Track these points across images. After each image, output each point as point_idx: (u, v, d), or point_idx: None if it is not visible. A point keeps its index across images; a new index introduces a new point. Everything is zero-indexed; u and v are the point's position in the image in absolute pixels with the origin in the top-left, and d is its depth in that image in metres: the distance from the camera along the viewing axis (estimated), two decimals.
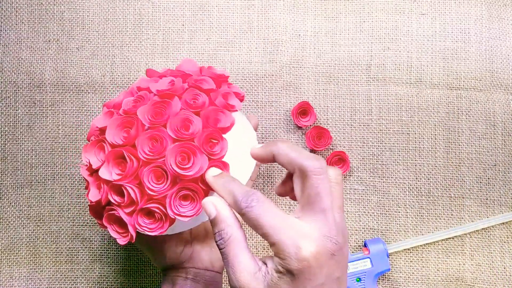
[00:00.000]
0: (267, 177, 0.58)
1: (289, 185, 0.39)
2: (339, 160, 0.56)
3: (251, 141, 0.46)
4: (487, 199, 0.56)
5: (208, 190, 0.40)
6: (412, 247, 0.56)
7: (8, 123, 0.58)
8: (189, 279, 0.46)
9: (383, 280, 0.56)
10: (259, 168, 0.58)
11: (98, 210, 0.43)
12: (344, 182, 0.57)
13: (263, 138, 0.58)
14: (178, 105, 0.41)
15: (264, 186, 0.57)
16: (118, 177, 0.40)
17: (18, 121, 0.58)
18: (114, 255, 0.57)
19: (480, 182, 0.56)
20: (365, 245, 0.55)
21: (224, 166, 0.41)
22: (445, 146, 0.57)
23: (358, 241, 0.56)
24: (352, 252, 0.56)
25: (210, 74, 0.46)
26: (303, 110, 0.57)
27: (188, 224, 0.43)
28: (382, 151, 0.57)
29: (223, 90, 0.44)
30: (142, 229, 0.40)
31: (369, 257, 0.53)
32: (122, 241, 0.41)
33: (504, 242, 0.56)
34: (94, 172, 0.42)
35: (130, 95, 0.45)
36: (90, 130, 0.45)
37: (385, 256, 0.53)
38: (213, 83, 0.44)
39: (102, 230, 0.58)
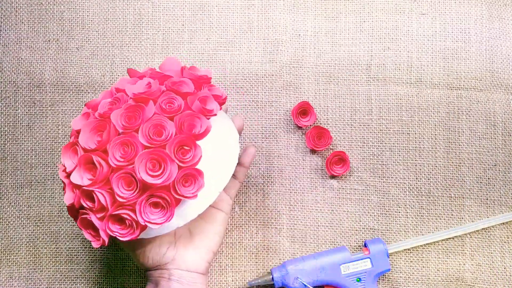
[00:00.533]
0: (267, 177, 0.58)
1: None
2: (339, 160, 0.56)
3: (231, 145, 0.46)
4: (487, 199, 0.56)
5: (179, 198, 0.40)
6: (412, 247, 0.56)
7: (8, 123, 0.58)
8: (173, 281, 0.46)
9: (383, 280, 0.56)
10: (256, 170, 0.58)
11: (74, 212, 0.43)
12: (344, 182, 0.57)
13: (263, 138, 0.58)
14: (152, 110, 0.41)
15: (264, 186, 0.57)
16: (88, 182, 0.40)
17: (18, 121, 0.58)
18: (114, 255, 0.57)
19: (480, 182, 0.56)
20: (365, 245, 0.55)
21: (198, 173, 0.40)
22: (445, 146, 0.57)
23: (358, 241, 0.56)
24: (352, 252, 0.56)
25: (191, 75, 0.45)
26: (303, 110, 0.57)
27: (162, 230, 0.43)
28: (382, 151, 0.57)
29: (202, 94, 0.43)
30: (113, 234, 0.40)
31: (369, 257, 0.53)
32: (95, 244, 0.41)
33: (505, 242, 0.56)
34: (69, 174, 0.42)
35: (110, 95, 0.44)
36: (72, 130, 0.45)
37: (385, 256, 0.53)
38: (192, 86, 0.43)
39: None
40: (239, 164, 0.52)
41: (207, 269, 0.49)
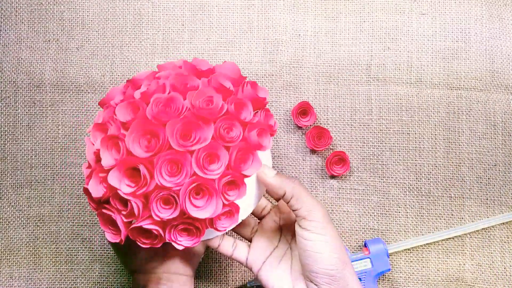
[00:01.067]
0: None
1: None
2: (339, 160, 0.56)
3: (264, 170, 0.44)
4: (487, 199, 0.56)
5: (207, 227, 0.39)
6: (412, 247, 0.56)
7: (8, 123, 0.58)
8: (162, 284, 0.45)
9: (383, 280, 0.56)
10: None
11: (93, 199, 0.40)
12: (344, 182, 0.57)
13: None
14: (210, 132, 0.38)
15: None
16: (128, 190, 0.37)
17: (18, 121, 0.58)
18: (114, 255, 0.57)
19: (480, 182, 0.56)
20: (365, 245, 0.55)
21: (235, 210, 0.39)
22: (445, 146, 0.57)
23: (358, 241, 0.56)
24: (352, 252, 0.56)
25: (251, 95, 0.41)
26: (303, 110, 0.57)
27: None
28: (382, 151, 0.57)
29: (260, 124, 0.40)
30: (135, 239, 0.39)
31: (369, 257, 0.53)
32: (111, 238, 0.40)
33: (505, 242, 0.56)
34: (98, 159, 0.39)
35: (153, 80, 0.41)
36: (107, 96, 0.42)
37: (385, 256, 0.53)
38: (251, 111, 0.40)
39: (102, 230, 0.58)
40: None
41: (194, 271, 0.49)
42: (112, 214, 0.39)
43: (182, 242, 0.39)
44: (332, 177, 0.57)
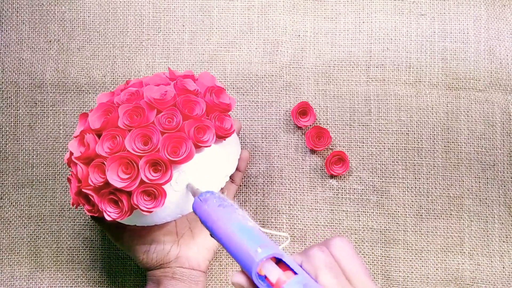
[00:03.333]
0: (267, 177, 0.58)
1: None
2: (338, 160, 0.57)
3: (231, 150, 0.48)
4: (486, 199, 0.56)
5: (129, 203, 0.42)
6: (411, 247, 0.56)
7: (9, 123, 0.59)
8: (176, 279, 0.47)
9: (382, 279, 0.56)
10: (256, 170, 0.58)
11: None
12: (344, 182, 0.57)
13: (263, 138, 0.58)
14: (152, 117, 0.43)
15: (264, 186, 0.58)
16: (77, 154, 0.43)
17: (19, 121, 0.59)
18: (115, 255, 0.58)
19: (479, 182, 0.56)
20: None
21: (159, 193, 0.42)
22: (444, 146, 0.57)
23: (358, 240, 0.57)
24: None
25: (210, 101, 0.45)
26: (303, 110, 0.57)
27: (165, 217, 0.44)
28: (382, 151, 0.57)
29: (203, 121, 0.44)
30: (80, 203, 0.44)
31: None
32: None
33: (503, 242, 0.56)
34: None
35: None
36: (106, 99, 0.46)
37: None
38: (202, 109, 0.44)
39: (102, 230, 0.58)
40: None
41: (207, 267, 0.50)
42: (71, 178, 0.44)
43: (110, 213, 0.42)
44: (332, 176, 0.57)
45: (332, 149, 0.58)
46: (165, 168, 0.41)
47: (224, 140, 0.46)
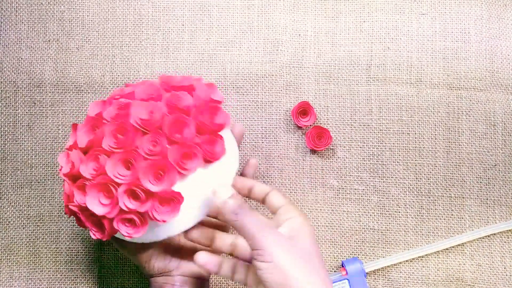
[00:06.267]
0: (267, 177, 0.58)
1: None
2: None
3: (230, 161, 0.46)
4: (487, 199, 0.56)
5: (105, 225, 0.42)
6: (391, 264, 0.55)
7: (8, 123, 0.58)
8: (177, 287, 0.47)
9: (383, 279, 0.56)
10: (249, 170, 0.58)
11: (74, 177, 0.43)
12: (344, 182, 0.57)
13: (263, 138, 0.58)
14: (134, 140, 0.41)
15: None
16: (65, 170, 0.42)
17: (18, 121, 0.59)
18: (114, 255, 0.58)
19: (480, 182, 0.56)
20: (342, 265, 0.54)
21: (138, 219, 0.41)
22: (445, 146, 0.57)
23: (358, 241, 0.56)
24: (330, 272, 0.55)
25: (202, 122, 0.43)
26: (303, 110, 0.57)
27: (167, 232, 0.44)
28: (382, 151, 0.57)
29: (190, 147, 0.42)
30: (72, 215, 0.44)
31: (347, 279, 0.52)
32: (93, 235, 0.43)
33: (505, 242, 0.56)
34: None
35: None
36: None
37: (363, 277, 0.52)
38: (191, 133, 0.42)
39: None
40: (242, 175, 0.51)
41: (210, 274, 0.50)
42: (65, 190, 0.44)
43: (96, 232, 0.42)
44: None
45: (332, 149, 0.57)
46: (144, 196, 0.40)
47: (213, 163, 0.44)
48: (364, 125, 0.57)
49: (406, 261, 0.56)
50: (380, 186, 0.57)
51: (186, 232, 0.45)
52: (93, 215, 0.41)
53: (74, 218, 0.44)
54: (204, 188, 0.43)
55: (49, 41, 0.60)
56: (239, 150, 0.55)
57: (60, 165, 0.44)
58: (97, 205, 0.40)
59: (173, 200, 0.41)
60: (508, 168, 0.56)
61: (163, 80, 0.47)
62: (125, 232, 0.41)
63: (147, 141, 0.41)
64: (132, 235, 0.41)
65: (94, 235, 0.42)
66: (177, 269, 0.48)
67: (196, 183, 0.43)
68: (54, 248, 0.57)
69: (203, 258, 0.44)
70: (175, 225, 0.43)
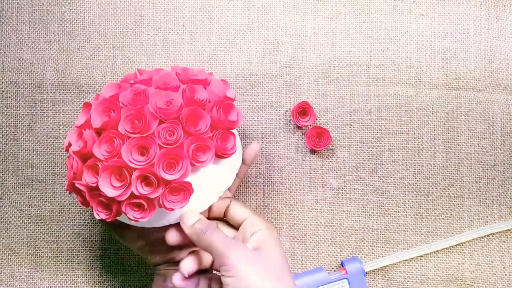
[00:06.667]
0: (267, 177, 0.58)
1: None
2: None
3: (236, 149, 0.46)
4: (486, 199, 0.56)
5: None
6: (391, 264, 0.55)
7: (9, 123, 0.59)
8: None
9: (382, 279, 0.56)
10: (256, 170, 0.58)
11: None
12: (344, 181, 0.57)
13: (263, 138, 0.58)
14: (153, 127, 0.42)
15: (264, 186, 0.58)
16: (75, 148, 0.42)
17: (19, 121, 0.59)
18: (115, 255, 0.58)
19: (479, 182, 0.56)
20: (342, 265, 0.54)
21: (147, 203, 0.41)
22: (444, 146, 0.57)
23: (358, 240, 0.57)
24: (330, 271, 0.55)
25: (216, 118, 0.44)
26: (303, 110, 0.57)
27: (169, 219, 0.45)
28: (382, 151, 0.57)
29: (204, 140, 0.43)
30: (73, 191, 0.44)
31: (346, 278, 0.53)
32: (98, 216, 0.43)
33: (504, 241, 0.56)
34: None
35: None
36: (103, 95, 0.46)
37: (363, 276, 0.53)
38: (207, 124, 0.43)
39: (102, 230, 0.58)
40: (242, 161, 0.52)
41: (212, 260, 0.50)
42: (68, 165, 0.44)
43: (100, 212, 0.42)
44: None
45: (332, 149, 0.58)
46: (157, 183, 0.41)
47: (223, 159, 0.45)
48: (363, 125, 0.58)
49: (406, 260, 0.56)
50: (379, 186, 0.57)
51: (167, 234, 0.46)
52: (102, 196, 0.41)
53: (77, 197, 0.44)
54: (211, 182, 0.44)
55: (50, 41, 0.60)
56: (251, 167, 0.57)
57: (69, 142, 0.44)
58: (109, 187, 0.41)
59: (183, 190, 0.42)
60: (507, 168, 0.56)
61: (178, 71, 0.47)
62: (132, 216, 0.41)
63: (164, 130, 0.41)
64: (139, 219, 0.41)
65: (98, 215, 0.42)
66: (179, 255, 0.48)
67: (205, 177, 0.43)
68: (55, 247, 0.58)
69: (180, 282, 0.45)
70: (178, 213, 0.44)
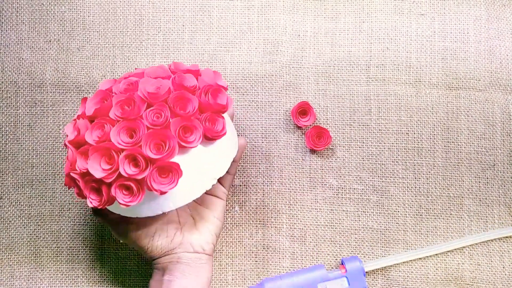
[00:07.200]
0: (267, 177, 0.58)
1: None
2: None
3: (229, 141, 0.47)
4: (486, 199, 0.56)
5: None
6: (391, 265, 0.55)
7: (9, 123, 0.59)
8: (181, 263, 0.48)
9: (382, 279, 0.56)
10: (256, 169, 0.58)
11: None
12: (343, 181, 0.57)
13: (263, 138, 0.58)
14: (141, 110, 0.43)
15: (263, 186, 0.58)
16: (71, 138, 0.43)
17: (19, 121, 0.59)
18: (114, 255, 0.58)
19: (479, 182, 0.56)
20: (342, 263, 0.54)
21: (136, 186, 0.42)
22: (444, 146, 0.57)
23: (358, 240, 0.57)
24: (329, 269, 0.55)
25: (205, 102, 0.45)
26: (303, 110, 0.57)
27: (166, 206, 0.45)
28: (382, 150, 0.57)
29: (192, 122, 0.44)
30: (70, 185, 0.45)
31: (346, 276, 0.53)
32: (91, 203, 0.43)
33: (503, 242, 0.56)
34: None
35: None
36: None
37: (362, 275, 0.53)
38: (194, 107, 0.44)
39: (102, 230, 0.58)
40: None
41: (212, 250, 0.51)
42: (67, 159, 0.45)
43: (93, 200, 0.43)
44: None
45: (332, 148, 0.58)
46: (144, 164, 0.41)
47: (214, 142, 0.45)
48: (363, 125, 0.58)
49: (405, 259, 0.56)
50: (379, 185, 0.57)
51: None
52: (93, 180, 0.42)
53: (74, 189, 0.45)
54: (202, 167, 0.44)
55: (50, 41, 0.60)
56: (240, 163, 0.57)
57: (66, 134, 0.46)
58: (97, 169, 0.41)
59: (171, 172, 0.42)
60: (507, 168, 0.56)
61: (171, 66, 0.49)
62: (121, 199, 0.42)
63: (152, 112, 0.42)
64: (128, 203, 0.42)
65: (91, 202, 0.42)
66: (179, 247, 0.49)
67: (196, 161, 0.44)
68: (55, 247, 0.58)
69: None
70: (170, 200, 0.44)
